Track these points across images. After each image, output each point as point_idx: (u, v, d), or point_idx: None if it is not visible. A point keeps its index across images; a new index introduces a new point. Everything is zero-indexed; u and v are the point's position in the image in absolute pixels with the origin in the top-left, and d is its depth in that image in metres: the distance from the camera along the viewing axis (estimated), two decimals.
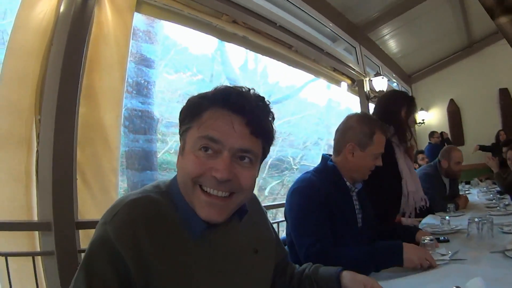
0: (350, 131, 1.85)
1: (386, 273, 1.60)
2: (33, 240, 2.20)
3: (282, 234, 1.91)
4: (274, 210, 4.98)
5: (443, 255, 1.72)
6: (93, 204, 2.42)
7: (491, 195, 3.90)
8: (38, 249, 2.17)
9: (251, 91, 0.99)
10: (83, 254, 0.95)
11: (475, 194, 4.52)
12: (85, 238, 2.23)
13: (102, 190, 2.50)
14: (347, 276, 1.26)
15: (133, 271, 0.87)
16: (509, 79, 8.39)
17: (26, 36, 2.16)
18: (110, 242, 0.87)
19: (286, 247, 1.82)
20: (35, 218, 2.16)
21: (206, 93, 0.98)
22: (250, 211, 1.12)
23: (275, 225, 3.30)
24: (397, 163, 2.47)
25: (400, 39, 7.38)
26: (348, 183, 1.87)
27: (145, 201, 0.94)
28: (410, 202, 2.50)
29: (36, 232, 2.18)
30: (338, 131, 1.92)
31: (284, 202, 1.87)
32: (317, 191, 1.74)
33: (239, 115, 0.94)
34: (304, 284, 1.32)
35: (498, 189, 4.44)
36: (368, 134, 1.82)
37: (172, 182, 1.04)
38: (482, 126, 8.58)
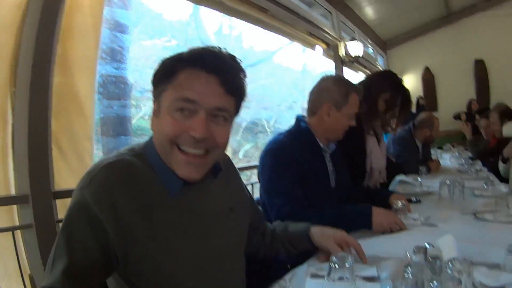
0: (326, 92, 1.86)
1: (357, 233, 1.65)
2: (12, 215, 2.17)
3: (257, 195, 1.94)
4: (248, 172, 5.01)
5: (415, 219, 1.78)
6: (69, 173, 2.39)
7: (463, 160, 4.02)
8: (17, 224, 2.14)
9: (223, 50, 1.00)
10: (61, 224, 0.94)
11: (447, 159, 4.63)
12: (62, 208, 2.21)
13: (78, 158, 2.47)
14: (316, 231, 1.32)
15: (112, 234, 0.89)
16: (485, 51, 8.45)
17: (1, 10, 2.06)
18: (88, 206, 0.88)
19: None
20: (13, 192, 2.12)
21: (180, 54, 0.98)
22: (224, 170, 1.15)
23: (249, 187, 3.33)
24: (366, 137, 2.48)
25: (377, 6, 7.33)
26: (321, 145, 1.90)
27: (120, 164, 0.95)
28: (374, 177, 2.53)
29: (15, 206, 2.15)
30: (312, 92, 1.93)
31: (258, 164, 1.89)
32: (290, 153, 1.76)
33: (214, 75, 0.95)
34: (277, 243, 1.38)
35: (470, 155, 4.58)
36: (343, 95, 1.83)
37: (147, 144, 1.06)
38: (456, 95, 8.71)
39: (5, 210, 2.13)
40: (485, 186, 2.34)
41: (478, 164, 3.60)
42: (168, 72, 0.96)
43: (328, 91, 1.86)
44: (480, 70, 8.64)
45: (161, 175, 0.99)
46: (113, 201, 0.89)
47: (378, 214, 1.64)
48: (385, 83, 2.44)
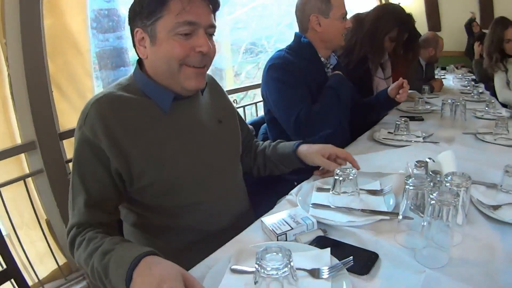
0: (307, 4, 1.83)
1: (362, 147, 1.73)
2: (22, 165, 2.21)
3: (261, 113, 1.94)
4: (252, 94, 4.93)
5: (417, 137, 1.82)
6: (72, 112, 2.40)
7: (466, 82, 3.96)
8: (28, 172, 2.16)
9: None
10: (70, 165, 1.06)
11: (451, 79, 4.54)
12: (70, 148, 2.24)
13: (79, 96, 2.49)
14: (303, 149, 1.37)
15: (113, 159, 1.01)
16: None
17: None
18: (90, 140, 1.00)
19: (265, 124, 1.94)
20: (19, 142, 2.12)
21: None
22: (209, 86, 1.28)
23: (253, 106, 3.38)
24: (372, 78, 2.46)
25: None
26: (322, 59, 1.89)
27: (108, 97, 1.05)
28: None
29: (23, 156, 2.17)
30: (297, 10, 1.90)
31: (260, 82, 1.89)
32: (293, 67, 1.76)
33: None
34: (270, 163, 1.45)
35: (473, 77, 4.51)
36: (324, 0, 1.79)
37: (133, 75, 1.15)
38: (460, 16, 8.31)
39: (14, 162, 2.16)
40: (486, 109, 2.33)
41: (481, 87, 3.56)
42: (160, 0, 1.01)
43: (309, 2, 1.82)
44: None
45: (153, 95, 1.10)
46: (108, 130, 1.00)
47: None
48: (391, 20, 2.36)
